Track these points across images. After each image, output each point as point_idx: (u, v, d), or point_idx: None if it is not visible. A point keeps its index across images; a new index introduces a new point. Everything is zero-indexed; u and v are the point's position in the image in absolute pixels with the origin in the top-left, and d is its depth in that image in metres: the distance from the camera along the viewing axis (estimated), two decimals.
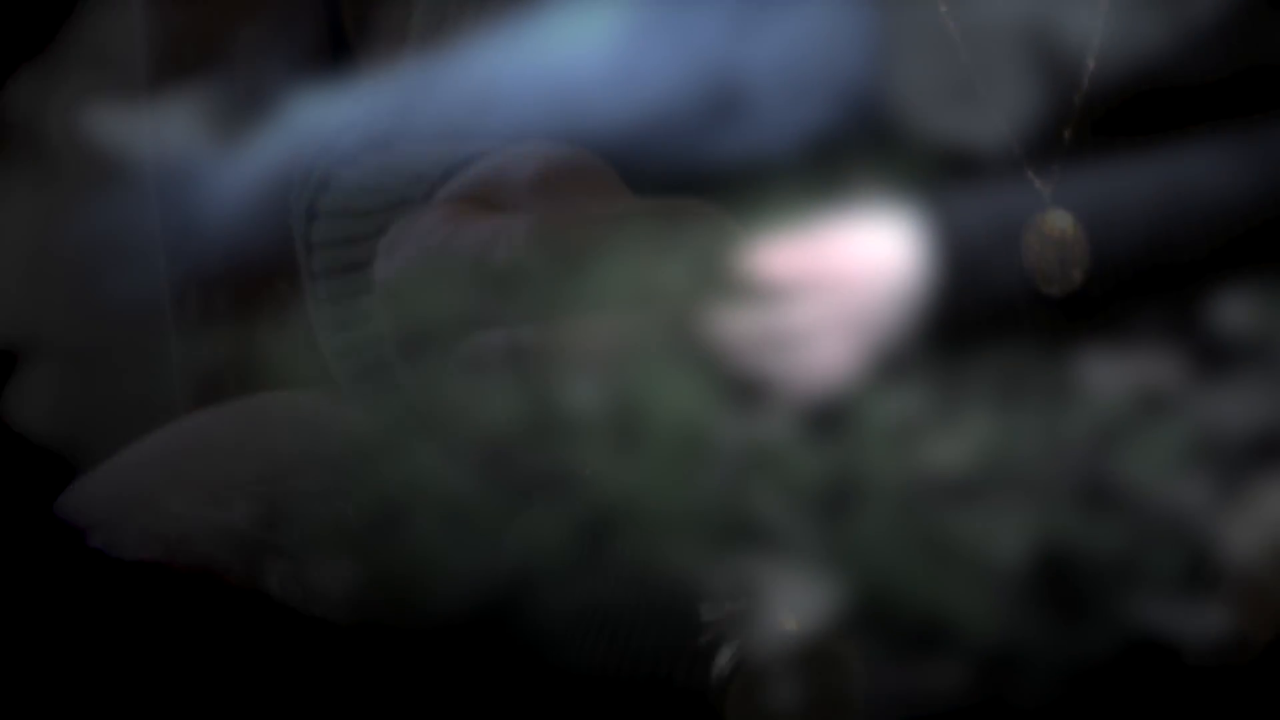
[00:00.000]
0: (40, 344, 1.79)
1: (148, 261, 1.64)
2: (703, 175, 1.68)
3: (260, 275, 1.60)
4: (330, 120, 1.63)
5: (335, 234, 1.67)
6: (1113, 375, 1.34)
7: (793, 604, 1.21)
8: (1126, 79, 1.45)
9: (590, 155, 1.22)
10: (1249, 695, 1.16)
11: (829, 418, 1.35)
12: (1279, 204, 1.35)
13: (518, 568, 1.28)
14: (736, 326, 1.32)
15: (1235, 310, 1.35)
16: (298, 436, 1.46)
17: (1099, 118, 1.46)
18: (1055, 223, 1.35)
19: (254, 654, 1.25)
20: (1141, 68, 1.44)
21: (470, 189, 1.19)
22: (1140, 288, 1.36)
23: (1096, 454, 1.29)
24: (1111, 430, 1.31)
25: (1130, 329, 1.35)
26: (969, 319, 1.35)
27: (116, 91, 2.09)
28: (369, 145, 1.60)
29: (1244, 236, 1.34)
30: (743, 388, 1.36)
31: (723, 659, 1.19)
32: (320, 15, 1.99)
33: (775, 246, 1.29)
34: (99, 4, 2.11)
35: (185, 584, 1.30)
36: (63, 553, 1.35)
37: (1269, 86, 1.42)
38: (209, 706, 1.23)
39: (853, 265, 1.33)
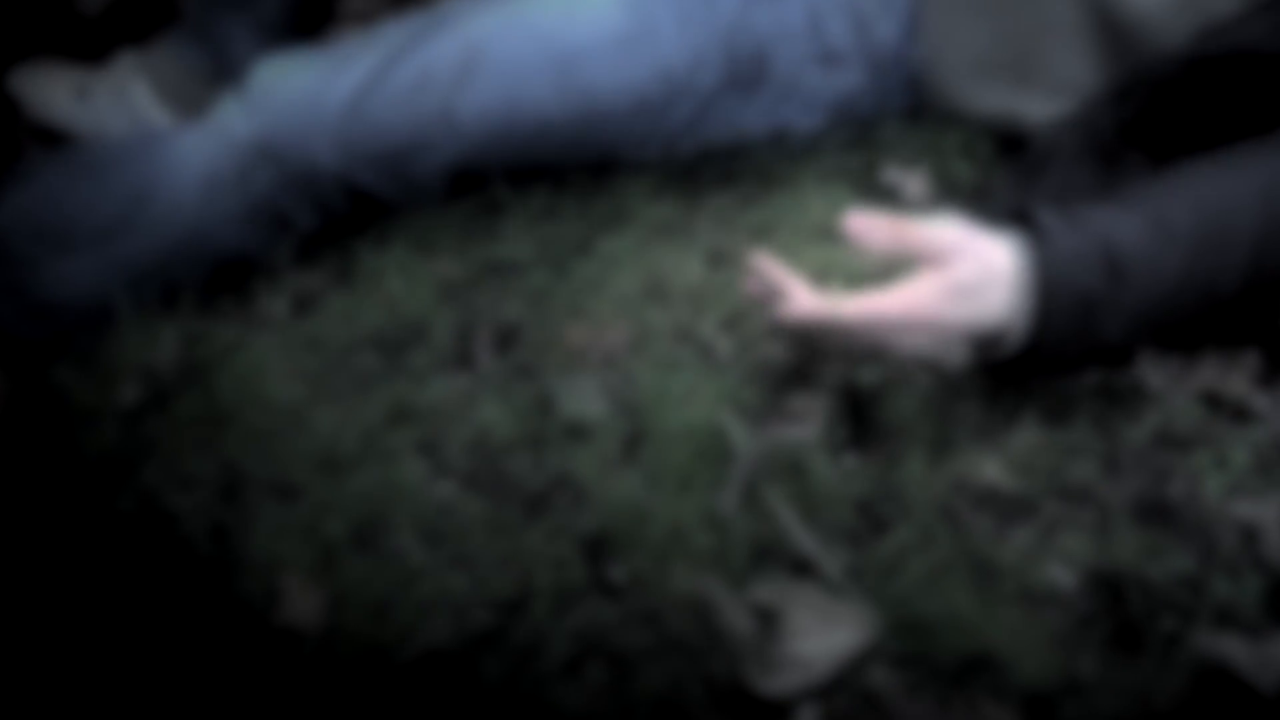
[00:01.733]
0: None
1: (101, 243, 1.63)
2: (723, 145, 1.67)
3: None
4: (306, 86, 1.61)
5: None
6: (1181, 386, 1.32)
7: (822, 634, 1.20)
8: (1194, 48, 1.43)
9: None
10: None
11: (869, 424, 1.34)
12: None
13: (510, 591, 1.27)
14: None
15: None
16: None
17: (1162, 89, 1.45)
18: None
19: (224, 676, 1.24)
20: (1210, 36, 1.43)
21: None
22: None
23: (1161, 470, 1.28)
24: (1179, 444, 1.30)
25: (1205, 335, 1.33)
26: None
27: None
28: (348, 112, 1.59)
29: None
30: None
31: None
32: None
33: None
34: None
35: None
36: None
37: None
38: None
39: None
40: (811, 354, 1.38)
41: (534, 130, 1.60)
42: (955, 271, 1.26)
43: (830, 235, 1.54)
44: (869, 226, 1.27)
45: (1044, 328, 1.27)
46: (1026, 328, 1.27)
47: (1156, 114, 1.43)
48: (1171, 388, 1.34)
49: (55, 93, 2.04)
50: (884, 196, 1.63)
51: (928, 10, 1.59)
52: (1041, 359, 1.29)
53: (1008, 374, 1.32)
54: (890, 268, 1.45)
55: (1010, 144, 1.60)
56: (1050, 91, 1.53)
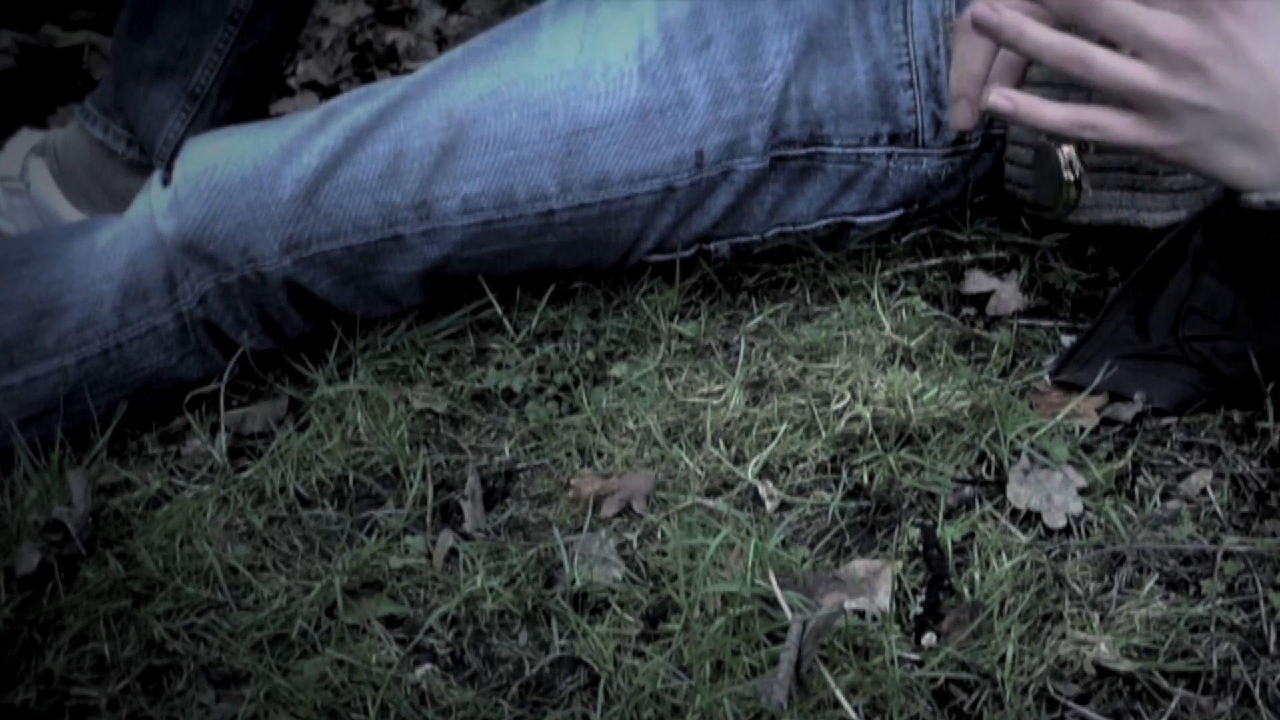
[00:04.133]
0: None
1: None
2: (768, 246, 1.70)
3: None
4: (249, 171, 1.64)
5: None
6: None
7: None
8: None
9: None
10: None
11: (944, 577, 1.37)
12: None
13: None
14: None
15: None
16: None
17: None
18: None
19: None
20: None
21: None
22: None
23: None
24: None
25: None
26: None
27: None
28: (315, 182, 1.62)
29: None
30: None
31: None
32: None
33: None
34: None
35: None
36: None
37: None
38: None
39: None
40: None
41: (532, 226, 1.64)
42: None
43: (905, 359, 1.59)
44: None
45: None
46: None
47: None
48: None
49: None
50: (969, 308, 1.67)
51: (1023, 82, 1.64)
52: None
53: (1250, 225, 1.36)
54: (981, 411, 1.50)
55: (1123, 238, 1.63)
56: (1167, 193, 1.58)
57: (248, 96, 2.04)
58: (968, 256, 1.72)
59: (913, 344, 1.60)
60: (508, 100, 1.63)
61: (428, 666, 1.38)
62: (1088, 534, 1.40)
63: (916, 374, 1.55)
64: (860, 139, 1.65)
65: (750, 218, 1.68)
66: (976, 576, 1.37)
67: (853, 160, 1.66)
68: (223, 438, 1.64)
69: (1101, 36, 1.30)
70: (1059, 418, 1.49)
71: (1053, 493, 1.43)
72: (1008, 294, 1.67)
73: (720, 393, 1.59)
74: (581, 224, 1.65)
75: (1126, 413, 1.51)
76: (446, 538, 1.49)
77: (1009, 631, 1.32)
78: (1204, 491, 1.43)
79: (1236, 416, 1.50)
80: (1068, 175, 1.46)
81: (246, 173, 1.64)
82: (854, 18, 1.64)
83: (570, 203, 1.63)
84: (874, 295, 1.67)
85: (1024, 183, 1.65)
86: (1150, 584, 1.35)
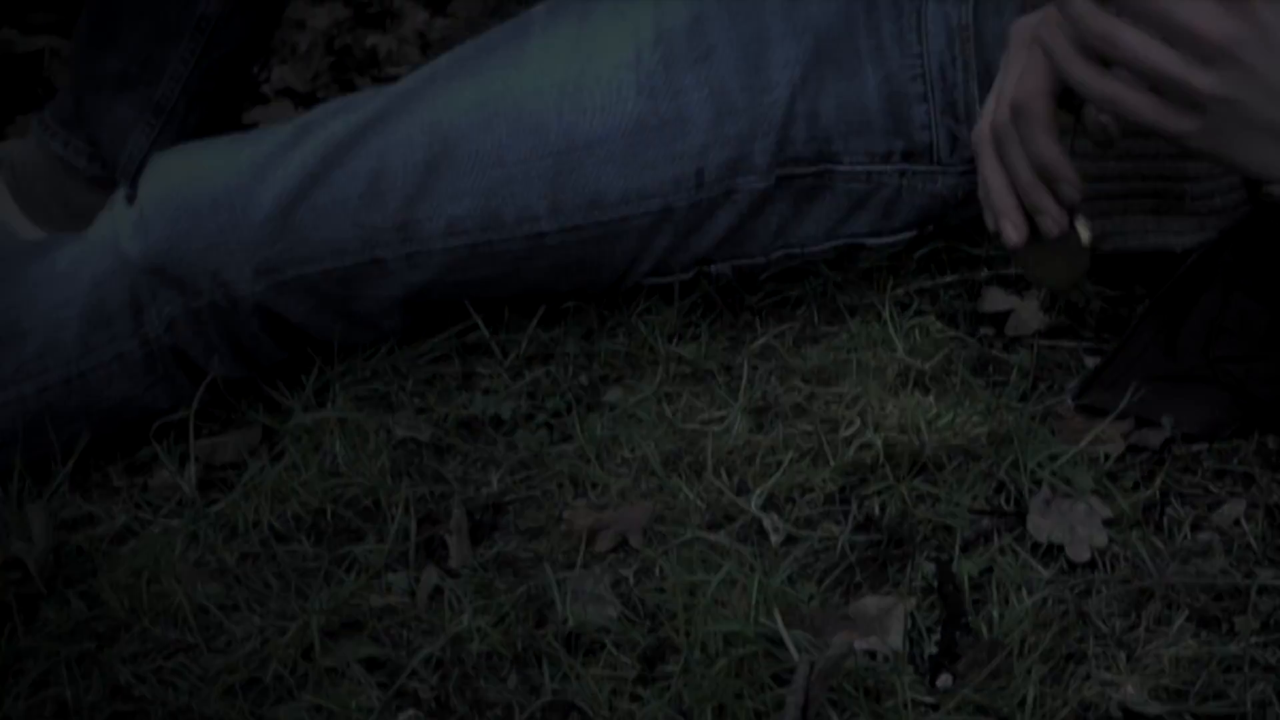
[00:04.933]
0: None
1: None
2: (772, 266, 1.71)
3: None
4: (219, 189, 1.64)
5: None
6: None
7: None
8: None
9: None
10: None
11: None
12: None
13: None
14: None
15: None
16: None
17: None
18: None
19: None
20: None
21: None
22: None
23: None
24: None
25: None
26: None
27: None
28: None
29: None
30: None
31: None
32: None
33: None
34: None
35: None
36: None
37: None
38: None
39: None
40: None
41: (520, 249, 1.65)
42: None
43: (918, 382, 1.59)
44: None
45: None
46: None
47: None
48: None
49: None
50: (987, 328, 1.67)
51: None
52: None
53: None
54: (1000, 438, 1.50)
55: (1150, 256, 1.64)
56: (1194, 216, 1.58)
57: (217, 108, 2.04)
58: (985, 273, 1.72)
59: (927, 366, 1.60)
60: (496, 115, 1.63)
61: (411, 712, 1.38)
62: (1113, 568, 1.41)
63: (931, 398, 1.55)
64: (871, 156, 1.65)
65: (754, 239, 1.68)
66: (995, 614, 1.37)
67: (863, 179, 1.66)
68: (192, 469, 1.64)
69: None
70: (1082, 444, 1.50)
71: (1076, 524, 1.44)
72: (1028, 313, 1.67)
73: (722, 419, 1.59)
74: (573, 247, 1.65)
75: (1154, 438, 1.51)
76: (430, 575, 1.49)
77: (1030, 672, 1.32)
78: (1237, 522, 1.44)
79: (1271, 442, 1.50)
80: (1083, 233, 1.44)
81: (217, 192, 1.64)
82: (865, 27, 1.64)
83: (561, 224, 1.64)
84: (885, 315, 1.67)
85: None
86: (1180, 621, 1.36)
